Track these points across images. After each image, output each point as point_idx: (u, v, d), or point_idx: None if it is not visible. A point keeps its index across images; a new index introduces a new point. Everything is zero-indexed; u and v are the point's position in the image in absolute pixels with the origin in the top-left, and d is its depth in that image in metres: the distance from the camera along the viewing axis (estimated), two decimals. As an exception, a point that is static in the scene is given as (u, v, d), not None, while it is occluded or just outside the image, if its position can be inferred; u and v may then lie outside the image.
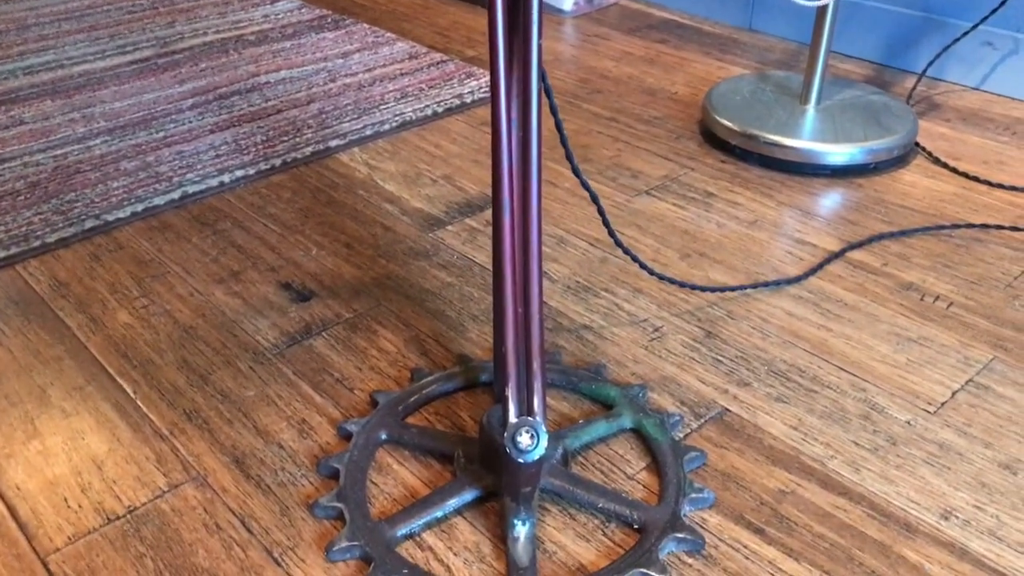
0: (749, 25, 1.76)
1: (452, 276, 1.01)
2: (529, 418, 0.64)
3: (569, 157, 0.76)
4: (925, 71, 1.49)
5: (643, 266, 0.90)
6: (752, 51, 1.66)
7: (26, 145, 1.29)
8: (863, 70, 1.57)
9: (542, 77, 0.66)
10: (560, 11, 1.84)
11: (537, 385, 0.62)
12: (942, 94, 1.47)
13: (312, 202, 1.17)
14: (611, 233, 0.85)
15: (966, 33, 1.43)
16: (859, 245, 1.07)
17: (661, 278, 0.92)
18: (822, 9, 1.25)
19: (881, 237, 1.08)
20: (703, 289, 0.96)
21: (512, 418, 0.65)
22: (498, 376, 0.67)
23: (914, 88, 1.46)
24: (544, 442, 0.64)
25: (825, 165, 1.22)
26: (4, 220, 1.11)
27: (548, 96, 0.70)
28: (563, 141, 0.75)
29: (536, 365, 0.63)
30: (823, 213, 1.14)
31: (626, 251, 0.88)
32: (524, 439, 0.64)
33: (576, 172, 0.78)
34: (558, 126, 0.75)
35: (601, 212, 0.83)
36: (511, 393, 0.62)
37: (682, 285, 0.97)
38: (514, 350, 0.64)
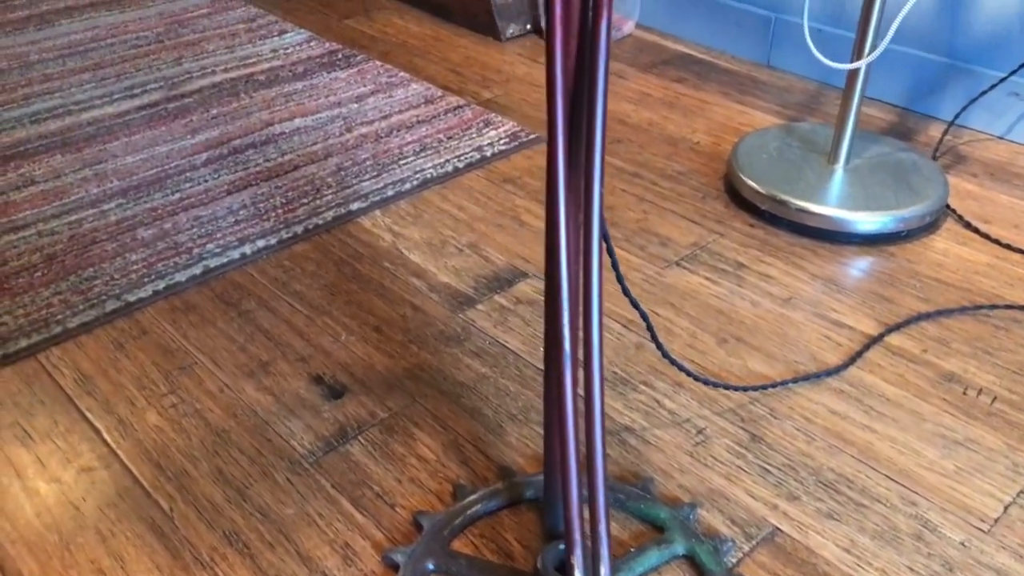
0: (767, 61, 1.73)
1: (486, 366, 0.99)
2: None
3: (626, 292, 0.74)
4: (951, 124, 1.47)
5: (688, 373, 0.88)
6: (772, 92, 1.63)
7: (39, 210, 1.25)
8: (886, 115, 1.55)
9: (604, 236, 0.64)
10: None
11: (603, 553, 0.61)
12: (968, 144, 1.46)
13: (337, 276, 1.14)
14: (655, 340, 0.83)
15: (995, 85, 1.41)
16: (896, 328, 1.06)
17: (705, 382, 0.90)
18: (853, 72, 1.23)
19: (919, 318, 1.07)
20: (744, 389, 0.95)
21: None
22: (567, 538, 0.65)
23: (941, 140, 1.44)
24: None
25: (856, 233, 1.21)
26: (23, 301, 1.08)
27: (611, 256, 0.68)
28: (618, 277, 0.73)
29: (602, 529, 0.61)
30: (857, 288, 1.12)
31: (672, 360, 0.86)
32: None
33: (626, 292, 0.76)
34: (619, 279, 0.73)
35: (648, 326, 0.81)
36: (576, 561, 0.61)
37: (725, 388, 0.95)
38: (578, 514, 0.62)
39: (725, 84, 1.66)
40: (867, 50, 1.21)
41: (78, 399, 0.95)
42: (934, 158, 1.41)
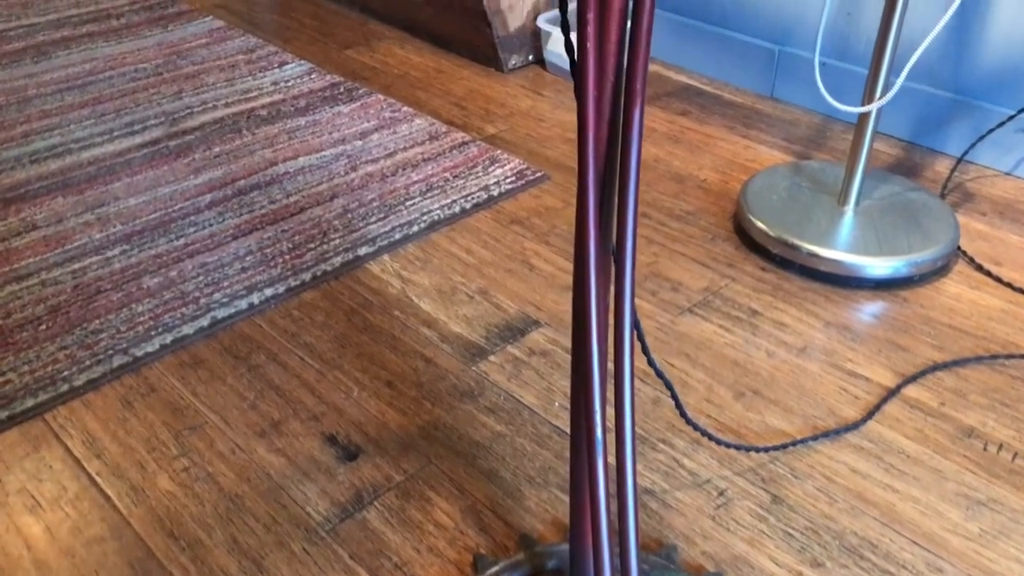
0: (771, 93, 1.73)
1: (501, 423, 0.98)
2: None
3: (651, 364, 0.73)
4: (960, 161, 1.47)
5: (710, 437, 0.87)
6: (777, 125, 1.63)
7: (42, 257, 1.24)
8: (893, 149, 1.54)
9: (635, 324, 0.63)
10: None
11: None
12: (975, 180, 1.45)
13: (347, 327, 1.13)
14: (679, 407, 0.82)
15: (1003, 123, 1.41)
16: (913, 379, 1.05)
17: (726, 445, 0.89)
18: (862, 121, 1.22)
19: (934, 368, 1.06)
20: (765, 450, 0.94)
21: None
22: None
23: (949, 178, 1.44)
24: None
25: (868, 278, 1.20)
26: (28, 357, 1.06)
27: (642, 343, 0.67)
28: (650, 361, 0.72)
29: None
30: (871, 335, 1.12)
31: (695, 426, 0.85)
32: None
33: (651, 364, 0.74)
34: (651, 363, 0.72)
35: (673, 395, 0.80)
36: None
37: (747, 450, 0.94)
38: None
39: (730, 117, 1.66)
40: (879, 92, 1.21)
41: (87, 462, 0.93)
42: (942, 196, 1.40)
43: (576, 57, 0.58)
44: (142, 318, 1.13)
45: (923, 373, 1.06)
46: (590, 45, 0.57)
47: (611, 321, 0.63)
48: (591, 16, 0.56)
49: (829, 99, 1.21)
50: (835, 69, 1.61)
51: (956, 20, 1.45)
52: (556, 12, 1.84)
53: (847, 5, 1.57)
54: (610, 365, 0.62)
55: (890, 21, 1.16)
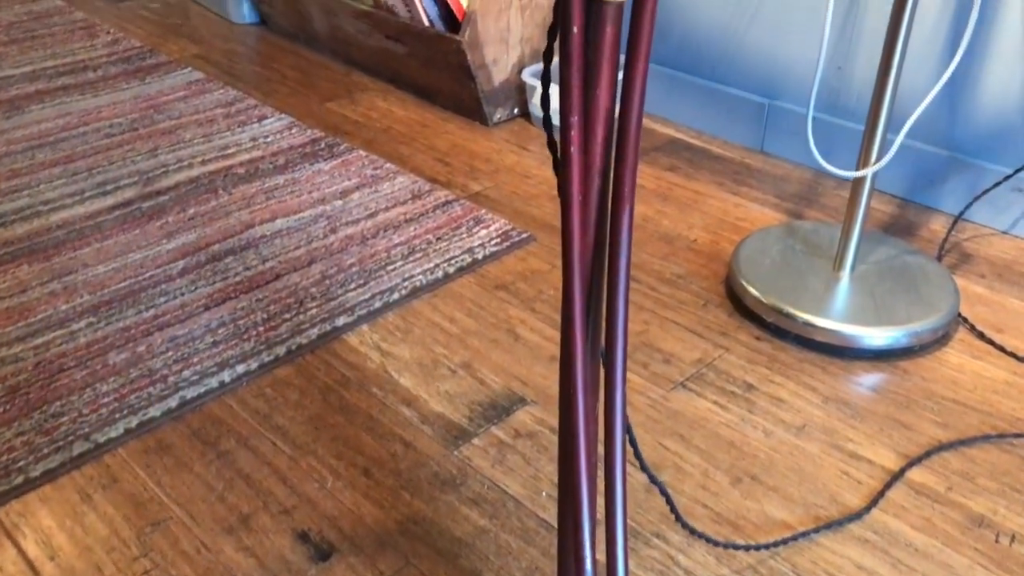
0: (761, 147, 1.70)
1: (485, 516, 0.93)
2: None
3: (645, 469, 0.68)
4: (956, 222, 1.43)
5: (707, 539, 0.82)
6: (767, 181, 1.59)
7: (2, 331, 1.18)
8: (886, 206, 1.51)
9: (627, 430, 0.58)
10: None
11: None
12: (972, 240, 1.42)
13: (323, 406, 1.07)
14: (674, 511, 0.76)
15: (999, 183, 1.38)
16: (918, 461, 1.00)
17: (724, 546, 0.84)
18: (858, 184, 1.19)
19: (940, 449, 1.01)
20: (765, 547, 0.88)
21: None
22: None
23: (946, 239, 1.40)
24: None
25: (867, 348, 1.16)
26: (-18, 444, 1.00)
27: (634, 447, 0.62)
28: (643, 467, 0.67)
29: None
30: (871, 412, 1.07)
31: (692, 530, 0.80)
32: None
33: (645, 469, 0.69)
34: (644, 468, 0.67)
35: (668, 500, 0.74)
36: None
37: (745, 549, 0.89)
38: None
39: (719, 173, 1.62)
40: (874, 156, 1.17)
41: (41, 566, 0.87)
42: (939, 257, 1.37)
43: (560, 159, 0.54)
44: (106, 399, 1.07)
45: (928, 454, 1.01)
46: (574, 149, 0.53)
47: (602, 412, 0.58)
48: (575, 120, 0.52)
49: (823, 163, 1.17)
50: (826, 124, 1.58)
51: (949, 76, 1.42)
52: (541, 66, 1.80)
53: (838, 59, 1.55)
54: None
55: (885, 85, 1.13)
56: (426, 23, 1.77)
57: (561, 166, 0.53)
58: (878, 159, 1.17)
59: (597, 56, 0.50)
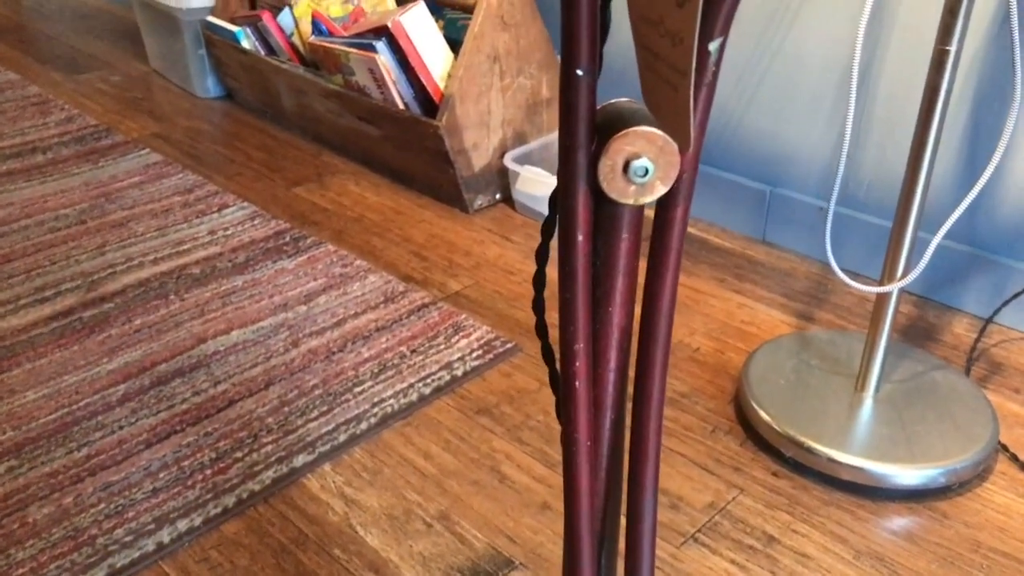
0: (763, 236, 1.57)
1: None
2: None
3: None
4: (981, 335, 1.30)
5: None
6: (772, 276, 1.46)
7: (-93, 480, 1.02)
8: (905, 306, 1.38)
9: None
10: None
11: None
12: (1000, 346, 1.29)
13: (275, 574, 0.92)
14: None
15: (1030, 286, 1.26)
16: (972, 639, 0.86)
17: None
18: (882, 298, 1.06)
19: (996, 622, 0.87)
20: None
21: None
22: None
23: (974, 347, 1.28)
24: None
25: (898, 488, 1.02)
26: None
27: None
28: None
29: None
30: (912, 569, 0.93)
31: None
32: None
33: None
34: None
35: None
36: None
37: None
38: None
39: (720, 267, 1.49)
40: (900, 268, 1.05)
41: None
42: (968, 369, 1.24)
43: (562, 397, 0.40)
44: (20, 571, 0.91)
45: (982, 629, 0.87)
46: (580, 384, 0.39)
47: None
48: (580, 347, 0.38)
49: (844, 278, 1.05)
50: (834, 215, 1.46)
51: (970, 172, 1.31)
52: (523, 149, 1.68)
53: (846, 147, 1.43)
54: None
55: (912, 192, 1.01)
56: (401, 105, 1.64)
57: (563, 406, 0.40)
58: (905, 273, 1.04)
59: (609, 271, 0.37)
